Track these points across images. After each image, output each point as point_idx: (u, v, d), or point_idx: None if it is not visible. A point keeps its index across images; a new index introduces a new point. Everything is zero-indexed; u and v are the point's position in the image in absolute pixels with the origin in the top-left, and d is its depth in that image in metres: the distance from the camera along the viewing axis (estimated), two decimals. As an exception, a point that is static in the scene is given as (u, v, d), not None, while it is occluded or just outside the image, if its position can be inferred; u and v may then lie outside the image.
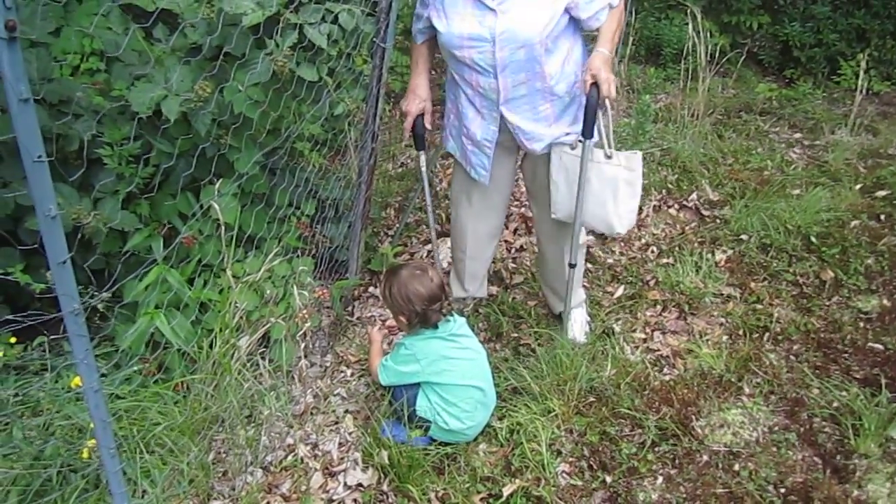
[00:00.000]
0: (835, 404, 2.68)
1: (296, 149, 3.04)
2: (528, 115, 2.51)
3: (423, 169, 2.84)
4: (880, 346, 3.00)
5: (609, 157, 2.53)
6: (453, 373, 2.30)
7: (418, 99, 2.67)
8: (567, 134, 2.57)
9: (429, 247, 3.65)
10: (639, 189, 2.58)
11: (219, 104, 2.50)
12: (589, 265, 3.48)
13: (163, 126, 2.47)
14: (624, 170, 2.53)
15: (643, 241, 3.75)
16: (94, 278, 2.31)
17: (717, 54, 5.03)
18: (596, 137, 2.48)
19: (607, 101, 2.41)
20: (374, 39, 2.52)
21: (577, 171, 2.51)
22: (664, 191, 4.20)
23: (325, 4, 2.48)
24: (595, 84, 2.37)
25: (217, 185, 2.44)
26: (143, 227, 2.61)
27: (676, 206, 4.10)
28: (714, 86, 6.01)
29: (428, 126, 2.72)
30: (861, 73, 5.06)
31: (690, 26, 4.52)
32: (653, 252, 3.65)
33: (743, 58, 6.37)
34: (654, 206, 4.03)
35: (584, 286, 3.15)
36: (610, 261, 3.57)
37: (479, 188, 2.76)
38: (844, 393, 2.72)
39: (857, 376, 2.84)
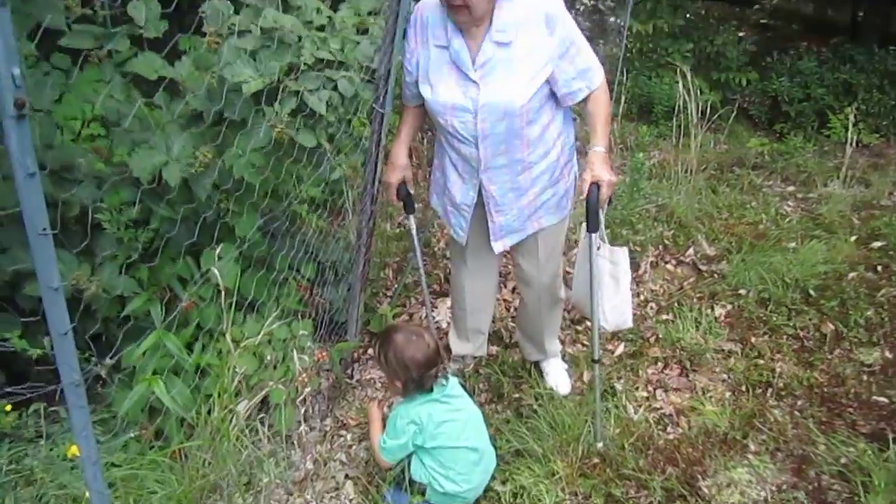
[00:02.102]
0: (842, 460, 2.64)
1: (296, 212, 3.06)
2: (505, 185, 2.51)
3: (413, 232, 2.84)
4: (885, 400, 2.98)
5: (597, 248, 2.52)
6: (446, 435, 2.28)
7: (398, 169, 2.69)
8: (536, 221, 2.62)
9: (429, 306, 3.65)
10: (624, 285, 2.56)
11: (219, 170, 2.53)
12: (588, 322, 3.46)
13: (164, 192, 2.48)
14: (608, 263, 2.53)
15: (642, 297, 3.75)
16: (92, 343, 2.29)
17: (707, 111, 5.12)
18: (602, 230, 2.49)
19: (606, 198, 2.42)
20: (373, 105, 2.56)
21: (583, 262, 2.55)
22: (661, 246, 4.22)
23: (324, 72, 2.53)
24: (595, 184, 2.37)
25: (217, 251, 2.45)
26: (143, 291, 2.60)
27: (674, 261, 4.11)
28: (706, 141, 6.11)
29: (410, 190, 2.74)
30: (850, 126, 5.14)
31: (680, 84, 4.61)
32: (652, 308, 3.65)
33: (734, 113, 6.48)
34: (652, 262, 4.05)
35: (560, 339, 3.19)
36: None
37: (472, 247, 2.77)
38: (852, 449, 2.69)
39: (864, 431, 2.81)
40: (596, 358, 2.67)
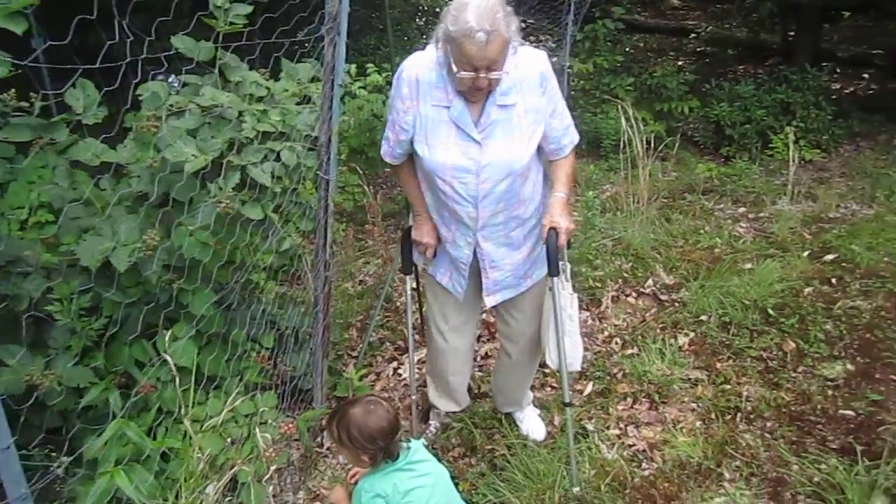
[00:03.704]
0: (816, 479, 2.66)
1: (251, 280, 3.04)
2: (500, 241, 2.52)
3: (409, 292, 2.81)
4: (851, 413, 3.02)
5: (550, 289, 2.56)
6: (415, 503, 2.23)
7: (435, 230, 2.60)
8: (529, 277, 2.65)
9: (394, 364, 3.63)
10: (569, 328, 2.59)
11: (168, 250, 2.51)
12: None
13: (114, 277, 2.46)
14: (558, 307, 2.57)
15: (606, 333, 3.78)
16: (51, 437, 2.23)
17: (653, 141, 5.23)
18: (565, 270, 2.54)
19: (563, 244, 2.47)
20: (318, 172, 2.57)
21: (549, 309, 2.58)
22: (620, 280, 4.26)
23: (266, 144, 2.55)
24: (553, 229, 2.42)
25: (169, 333, 2.42)
26: (99, 380, 2.55)
27: (634, 293, 4.16)
28: (655, 171, 6.21)
29: (430, 255, 2.67)
30: (790, 144, 5.29)
31: (622, 120, 4.71)
32: (617, 343, 3.67)
33: (679, 142, 6.64)
34: (613, 296, 4.09)
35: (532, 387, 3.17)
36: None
37: (454, 305, 2.75)
38: (824, 466, 2.71)
39: (834, 446, 2.83)
40: (567, 401, 2.67)
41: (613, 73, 7.06)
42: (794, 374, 3.31)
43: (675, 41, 10.67)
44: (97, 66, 2.09)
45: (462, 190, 2.37)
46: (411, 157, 2.49)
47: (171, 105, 2.54)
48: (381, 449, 2.19)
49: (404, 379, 3.49)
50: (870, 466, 2.62)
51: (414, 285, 2.90)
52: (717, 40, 10.05)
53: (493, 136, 2.31)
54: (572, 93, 7.03)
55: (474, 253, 2.54)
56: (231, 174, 2.45)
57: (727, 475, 2.73)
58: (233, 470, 2.49)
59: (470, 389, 3.30)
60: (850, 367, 3.33)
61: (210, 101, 2.53)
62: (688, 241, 4.82)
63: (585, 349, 3.65)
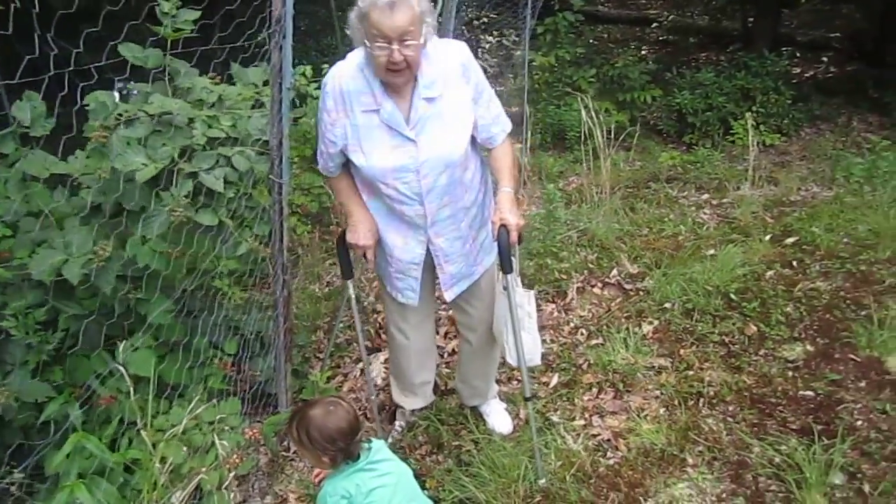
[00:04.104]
0: (777, 460, 2.70)
1: (214, 287, 3.02)
2: (452, 235, 2.54)
3: (353, 297, 2.81)
4: (811, 393, 3.07)
5: (505, 287, 2.58)
6: (377, 503, 2.23)
7: (370, 231, 2.56)
8: (480, 264, 2.67)
9: (361, 364, 3.63)
10: (528, 325, 2.63)
11: (123, 260, 2.50)
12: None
13: (69, 290, 2.44)
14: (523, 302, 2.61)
15: (572, 324, 3.80)
16: (13, 453, 2.21)
17: (616, 131, 5.27)
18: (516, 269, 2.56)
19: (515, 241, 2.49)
20: (270, 176, 2.57)
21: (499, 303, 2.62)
22: (586, 271, 4.29)
23: (217, 150, 2.53)
24: (504, 226, 2.44)
25: (124, 344, 2.41)
26: (58, 394, 2.53)
27: (600, 284, 4.19)
28: (619, 160, 6.28)
29: (371, 257, 2.64)
30: (749, 129, 5.35)
31: (582, 112, 4.74)
32: (582, 334, 3.70)
33: (643, 131, 6.70)
34: (578, 287, 4.11)
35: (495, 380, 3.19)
36: (542, 350, 3.59)
37: (411, 304, 2.76)
38: (784, 447, 2.76)
39: (794, 427, 2.88)
40: (528, 395, 2.70)
41: (576, 65, 7.10)
42: (755, 358, 3.36)
43: (639, 31, 10.74)
44: (39, 77, 2.11)
45: (406, 190, 2.39)
46: (346, 166, 2.51)
47: (119, 114, 2.51)
48: (342, 450, 2.19)
49: (373, 378, 3.49)
50: (827, 445, 2.67)
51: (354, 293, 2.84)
52: (679, 29, 10.14)
53: (426, 132, 2.34)
54: (536, 86, 7.05)
55: (427, 251, 2.55)
56: (183, 181, 2.44)
57: (690, 460, 2.77)
58: (198, 478, 2.49)
59: (437, 386, 3.31)
60: (809, 348, 3.38)
61: (159, 108, 2.51)
62: (652, 229, 4.87)
63: (552, 341, 3.69)
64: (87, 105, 2.54)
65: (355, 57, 2.34)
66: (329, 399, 2.25)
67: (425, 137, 2.34)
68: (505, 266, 2.52)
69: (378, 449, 2.33)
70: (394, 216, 2.50)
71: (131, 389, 2.22)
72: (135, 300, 2.60)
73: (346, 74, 2.34)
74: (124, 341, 2.53)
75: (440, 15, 4.45)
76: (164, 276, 2.60)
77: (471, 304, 2.77)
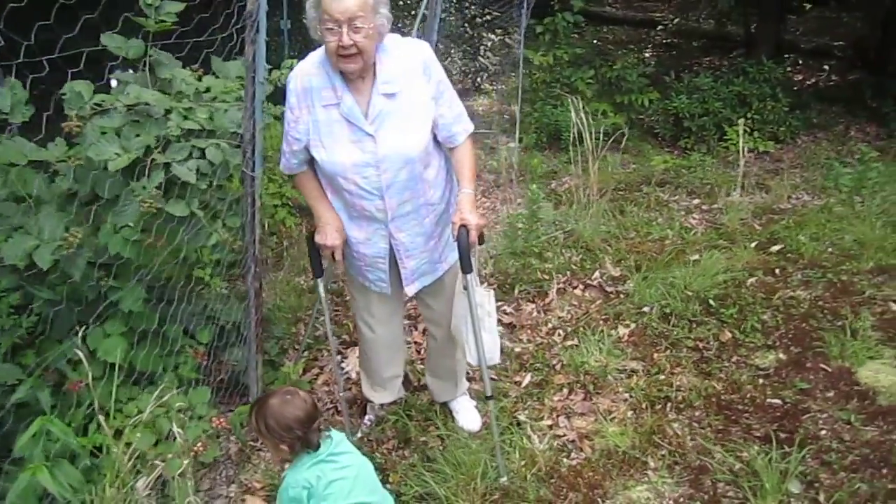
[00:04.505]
0: (737, 467, 2.72)
1: (195, 276, 3.06)
2: (414, 230, 2.58)
3: (323, 296, 2.84)
4: (778, 401, 3.09)
5: (465, 288, 2.63)
6: (335, 495, 2.25)
7: (337, 230, 2.60)
8: (444, 261, 2.71)
9: (338, 357, 3.66)
10: (487, 324, 2.70)
11: (97, 247, 2.54)
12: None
13: (44, 275, 2.48)
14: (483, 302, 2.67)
15: (549, 325, 3.83)
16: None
17: (612, 133, 5.28)
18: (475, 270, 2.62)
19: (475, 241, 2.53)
20: (244, 169, 2.60)
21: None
22: (569, 272, 4.31)
23: (191, 142, 2.57)
24: (464, 226, 2.48)
25: (84, 329, 2.46)
26: (28, 377, 2.57)
27: (581, 286, 4.21)
28: (615, 163, 6.30)
29: (339, 257, 2.67)
30: (741, 135, 5.36)
31: (573, 113, 4.76)
32: (559, 335, 3.72)
33: (640, 133, 6.71)
34: (559, 288, 4.13)
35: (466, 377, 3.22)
36: (518, 349, 3.62)
37: (377, 297, 2.79)
38: (745, 454, 2.78)
39: (758, 434, 2.90)
40: (489, 395, 2.73)
41: (575, 66, 7.10)
42: (727, 364, 3.37)
43: (644, 33, 10.73)
44: (16, 62, 2.17)
45: (366, 185, 2.43)
46: (311, 165, 2.56)
47: (95, 104, 2.55)
48: (299, 438, 2.22)
49: (347, 372, 3.53)
50: (787, 453, 2.69)
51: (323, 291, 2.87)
52: (684, 32, 10.12)
53: (385, 128, 2.39)
54: (533, 86, 7.06)
55: (390, 245, 2.59)
56: (155, 172, 2.47)
57: (652, 464, 2.79)
58: (162, 465, 2.53)
59: (409, 382, 3.35)
60: (782, 356, 3.40)
61: (135, 99, 2.54)
62: (639, 232, 4.89)
63: (528, 341, 3.72)
64: (63, 94, 2.57)
65: (317, 54, 2.40)
66: (286, 389, 2.29)
67: (384, 133, 2.38)
68: (464, 265, 2.56)
69: (339, 441, 2.36)
70: (355, 211, 2.54)
71: (90, 375, 2.26)
72: (107, 287, 2.64)
73: (308, 71, 2.40)
74: (90, 327, 2.57)
75: (425, 12, 4.47)
76: (138, 265, 2.64)
77: (435, 299, 2.82)
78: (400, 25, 7.06)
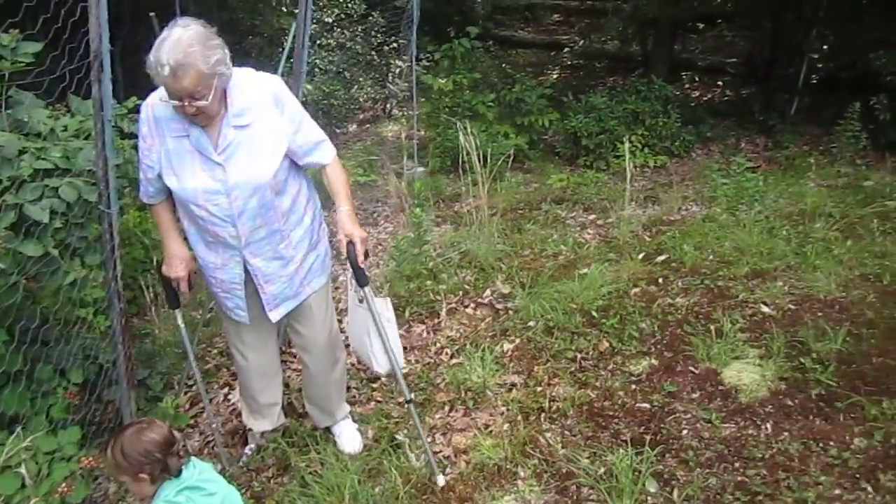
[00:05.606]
0: (601, 471, 2.83)
1: (74, 316, 3.03)
2: (268, 255, 2.64)
3: (182, 327, 2.87)
4: (647, 405, 3.22)
5: (361, 300, 2.74)
6: (205, 523, 2.27)
7: (183, 262, 2.70)
8: (307, 285, 2.78)
9: (225, 391, 3.67)
10: (390, 330, 2.82)
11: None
12: (384, 379, 3.57)
13: None
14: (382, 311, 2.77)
15: (438, 345, 3.90)
16: None
17: (516, 154, 5.44)
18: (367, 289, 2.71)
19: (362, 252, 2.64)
20: (99, 206, 2.61)
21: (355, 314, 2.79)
22: (461, 292, 4.41)
23: (44, 181, 2.57)
24: (350, 242, 2.61)
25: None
26: None
27: (473, 304, 4.31)
28: (517, 182, 6.47)
29: (185, 289, 2.76)
30: (627, 151, 5.58)
31: (461, 137, 4.89)
32: (446, 354, 3.80)
33: (542, 153, 6.90)
34: (450, 308, 4.22)
35: (349, 401, 3.29)
36: (405, 371, 3.68)
37: (245, 325, 2.83)
38: (611, 457, 2.88)
39: (625, 438, 3.01)
40: (408, 398, 2.87)
41: (476, 90, 7.28)
42: (602, 373, 3.50)
43: (552, 55, 11.05)
44: None
45: (217, 211, 2.49)
46: (168, 195, 2.61)
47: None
48: (158, 461, 2.21)
49: (233, 404, 3.53)
50: (640, 453, 2.81)
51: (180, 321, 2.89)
52: (589, 54, 10.47)
53: (236, 157, 2.45)
54: (435, 111, 7.21)
55: (246, 271, 2.64)
56: (5, 213, 2.47)
57: (522, 473, 2.88)
58: (27, 508, 2.50)
59: (293, 408, 3.37)
60: (654, 361, 3.54)
61: (-15, 141, 2.54)
62: (534, 249, 5.02)
63: (416, 362, 3.79)
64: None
65: None
66: (140, 419, 2.31)
67: (234, 162, 2.45)
68: (360, 279, 2.68)
69: (203, 469, 2.37)
70: (210, 237, 2.60)
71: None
72: (-37, 330, 2.61)
73: (157, 102, 2.44)
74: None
75: (292, 42, 4.55)
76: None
77: (302, 325, 2.87)
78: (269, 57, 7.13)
